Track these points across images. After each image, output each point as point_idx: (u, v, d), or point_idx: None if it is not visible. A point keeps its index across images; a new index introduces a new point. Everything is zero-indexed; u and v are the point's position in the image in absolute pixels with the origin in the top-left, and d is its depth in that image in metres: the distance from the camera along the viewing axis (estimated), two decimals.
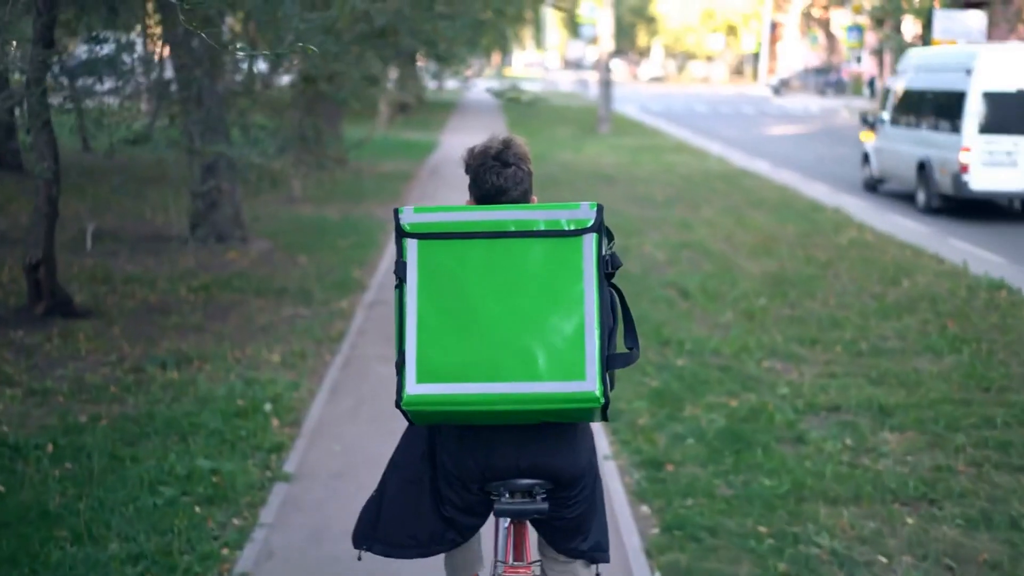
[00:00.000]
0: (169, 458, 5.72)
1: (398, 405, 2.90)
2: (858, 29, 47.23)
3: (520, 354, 2.88)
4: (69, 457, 5.72)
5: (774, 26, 75.67)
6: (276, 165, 7.26)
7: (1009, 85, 15.30)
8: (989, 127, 15.31)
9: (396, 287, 2.96)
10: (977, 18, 26.78)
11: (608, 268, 3.00)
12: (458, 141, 26.25)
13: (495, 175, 3.14)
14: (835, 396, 7.25)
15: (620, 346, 3.09)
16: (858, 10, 47.26)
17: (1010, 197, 16.26)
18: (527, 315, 2.90)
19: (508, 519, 3.25)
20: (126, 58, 9.23)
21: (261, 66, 9.57)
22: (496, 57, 67.94)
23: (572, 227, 2.95)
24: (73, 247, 11.32)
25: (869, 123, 18.93)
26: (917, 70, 17.70)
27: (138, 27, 10.71)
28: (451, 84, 59.33)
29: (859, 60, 67.77)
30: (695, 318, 9.47)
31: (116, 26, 8.96)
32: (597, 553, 3.33)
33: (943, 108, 16.17)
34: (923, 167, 16.47)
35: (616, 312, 3.10)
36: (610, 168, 21.71)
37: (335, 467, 5.85)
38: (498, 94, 8.03)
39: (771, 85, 64.64)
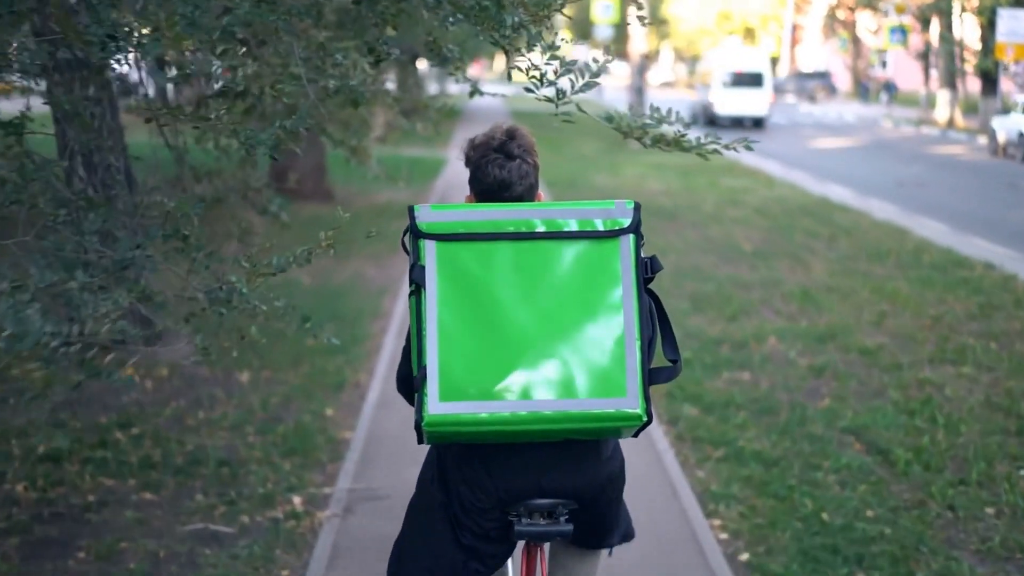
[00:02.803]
0: None
1: (418, 426, 2.57)
2: (902, 31, 42.87)
3: (554, 369, 2.58)
4: None
5: (794, 29, 71.45)
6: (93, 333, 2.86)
7: (731, 68, 35.42)
8: (726, 85, 34.82)
9: (411, 294, 2.64)
10: None
11: (647, 272, 2.72)
12: None
13: (498, 168, 2.84)
14: None
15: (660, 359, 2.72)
16: (902, 10, 42.94)
17: (739, 119, 34.71)
18: (560, 325, 2.60)
19: (523, 542, 2.94)
20: None
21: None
22: (501, 61, 63.58)
23: (607, 227, 2.68)
24: None
25: (695, 89, 40.21)
26: (708, 60, 37.18)
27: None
28: (454, 88, 54.84)
29: (884, 65, 63.76)
30: (936, 528, 5.17)
31: None
32: (627, 538, 3.15)
33: (711, 78, 35.96)
34: (705, 107, 35.65)
35: (654, 320, 2.74)
36: (661, 197, 17.36)
37: None
38: (617, 122, 3.74)
39: None
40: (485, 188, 2.85)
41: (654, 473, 5.77)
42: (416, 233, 2.63)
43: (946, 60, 38.83)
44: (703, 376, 7.52)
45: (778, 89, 61.24)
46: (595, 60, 3.74)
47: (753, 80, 35.07)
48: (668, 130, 3.97)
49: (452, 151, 24.43)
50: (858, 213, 16.10)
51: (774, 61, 75.35)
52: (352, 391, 7.06)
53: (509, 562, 3.04)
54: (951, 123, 38.05)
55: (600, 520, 2.95)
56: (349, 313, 8.94)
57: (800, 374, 7.67)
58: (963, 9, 36.29)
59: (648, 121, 3.86)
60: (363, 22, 4.07)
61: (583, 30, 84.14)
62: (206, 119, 3.76)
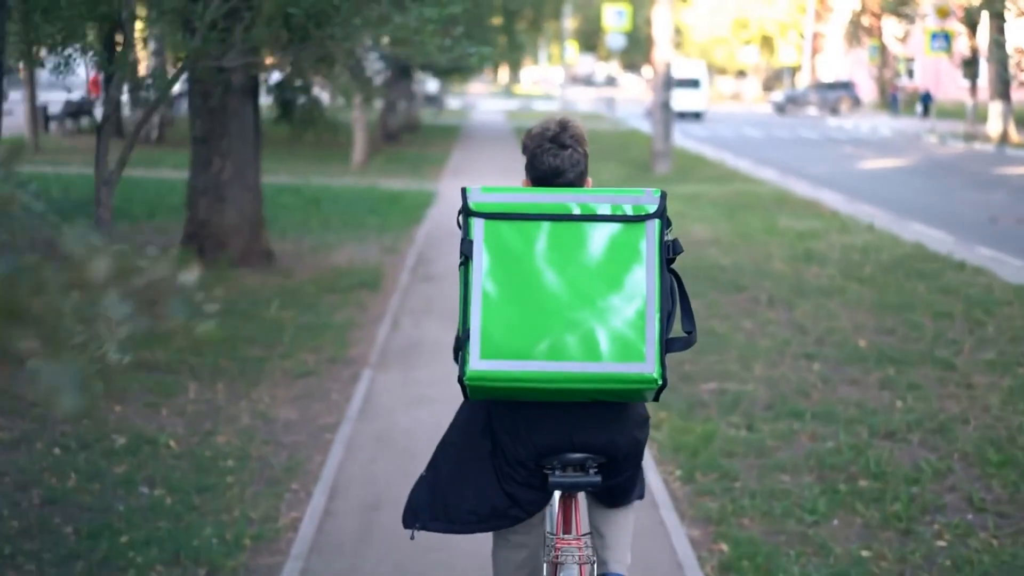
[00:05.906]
0: None
1: (461, 379, 2.91)
2: (945, 37, 38.75)
3: (582, 335, 2.89)
4: None
5: (814, 37, 67.38)
6: None
7: (681, 75, 42.50)
8: (677, 87, 34.72)
9: (460, 265, 2.98)
10: None
11: (669, 254, 3.02)
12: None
13: (552, 156, 3.19)
14: None
15: (678, 330, 3.03)
16: (944, 13, 38.87)
17: (686, 113, 45.01)
18: (589, 297, 2.92)
19: (559, 492, 3.26)
20: None
21: None
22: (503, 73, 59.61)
23: (636, 212, 2.98)
24: None
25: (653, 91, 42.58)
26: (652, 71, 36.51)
27: None
28: (454, 103, 50.95)
29: (911, 74, 59.71)
30: None
31: None
32: (640, 496, 3.45)
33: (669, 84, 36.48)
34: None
35: (674, 297, 3.05)
36: (713, 250, 13.24)
37: None
38: None
39: (775, 102, 57.72)
40: (540, 174, 3.21)
41: None
42: (467, 212, 2.97)
43: (998, 68, 34.76)
44: None
45: (798, 101, 57.48)
46: None
47: (692, 83, 46.68)
48: None
49: (444, 182, 20.27)
50: (977, 271, 12.00)
51: (793, 71, 71.35)
52: None
53: (547, 511, 3.34)
54: (1005, 138, 33.99)
55: (626, 480, 3.26)
56: (212, 549, 4.81)
57: None
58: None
59: None
60: None
61: (589, 40, 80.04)
62: None
